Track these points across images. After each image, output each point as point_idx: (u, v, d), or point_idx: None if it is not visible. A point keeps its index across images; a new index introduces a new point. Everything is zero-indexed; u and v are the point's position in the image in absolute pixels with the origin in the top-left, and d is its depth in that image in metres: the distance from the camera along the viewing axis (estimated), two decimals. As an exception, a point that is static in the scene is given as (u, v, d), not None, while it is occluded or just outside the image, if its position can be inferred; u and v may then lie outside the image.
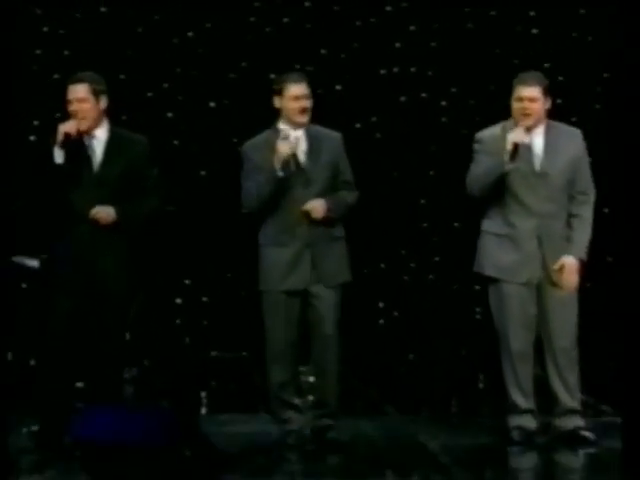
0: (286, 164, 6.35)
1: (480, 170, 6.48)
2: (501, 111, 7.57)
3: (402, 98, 7.76)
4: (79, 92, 6.41)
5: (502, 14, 7.80)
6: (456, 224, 7.81)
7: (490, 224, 6.62)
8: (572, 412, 6.66)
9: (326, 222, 6.42)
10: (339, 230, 6.54)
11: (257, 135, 6.55)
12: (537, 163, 6.51)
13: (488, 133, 6.58)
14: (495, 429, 6.78)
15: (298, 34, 7.73)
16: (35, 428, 6.50)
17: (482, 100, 7.77)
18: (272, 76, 7.66)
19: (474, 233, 7.73)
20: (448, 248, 7.78)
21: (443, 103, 7.78)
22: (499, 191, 6.46)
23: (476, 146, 6.58)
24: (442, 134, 7.80)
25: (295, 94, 6.46)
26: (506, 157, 6.36)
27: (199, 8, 7.70)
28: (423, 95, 7.78)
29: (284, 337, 6.50)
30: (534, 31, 7.79)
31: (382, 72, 7.73)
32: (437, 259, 7.81)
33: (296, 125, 6.48)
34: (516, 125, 6.45)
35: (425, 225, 7.79)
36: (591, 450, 6.57)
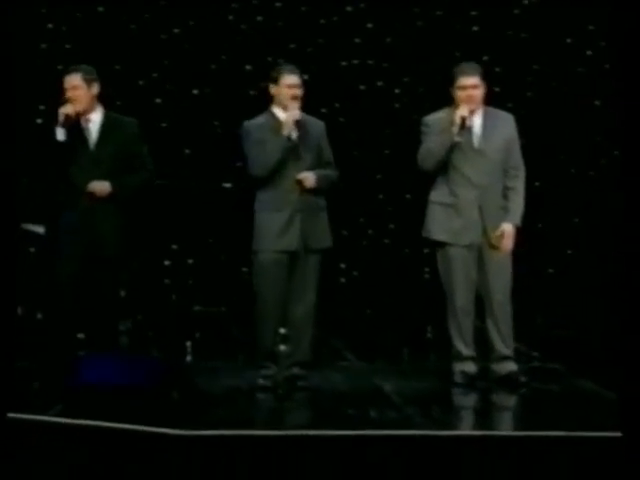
0: (292, 129, 6.33)
1: (432, 145, 6.47)
2: (446, 98, 7.59)
3: (361, 87, 7.76)
4: (73, 80, 6.52)
5: (447, 14, 7.80)
6: (407, 196, 7.81)
7: (437, 195, 6.60)
8: (506, 358, 6.68)
9: (314, 191, 6.40)
10: (323, 201, 6.52)
11: (253, 118, 6.51)
12: (476, 141, 6.51)
13: (434, 117, 6.58)
14: (441, 373, 6.77)
15: (270, 31, 7.72)
16: (42, 373, 6.47)
17: (430, 88, 7.75)
18: (247, 67, 7.67)
19: (423, 204, 7.73)
20: (400, 217, 7.79)
21: (396, 91, 7.78)
22: (445, 165, 6.45)
23: (424, 128, 6.58)
24: (395, 118, 7.78)
25: (289, 83, 6.41)
26: (455, 130, 6.38)
27: (184, 8, 7.67)
28: (379, 84, 7.78)
29: (272, 294, 6.45)
30: (474, 28, 7.77)
31: (343, 64, 7.72)
32: (391, 226, 7.81)
33: (287, 108, 6.42)
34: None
35: (381, 197, 7.78)
36: (523, 391, 6.56)
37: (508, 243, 6.55)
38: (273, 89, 6.46)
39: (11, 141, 6.54)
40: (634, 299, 7.12)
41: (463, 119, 6.39)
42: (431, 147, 6.49)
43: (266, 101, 6.47)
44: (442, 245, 6.59)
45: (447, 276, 6.61)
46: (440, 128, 6.48)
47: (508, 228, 6.53)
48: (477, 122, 6.52)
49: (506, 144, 6.57)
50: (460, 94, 6.46)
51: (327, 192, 6.56)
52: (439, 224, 6.58)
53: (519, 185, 6.61)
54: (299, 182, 6.36)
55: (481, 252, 6.57)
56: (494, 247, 6.55)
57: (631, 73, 5.22)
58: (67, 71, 6.59)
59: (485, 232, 6.53)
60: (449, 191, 6.55)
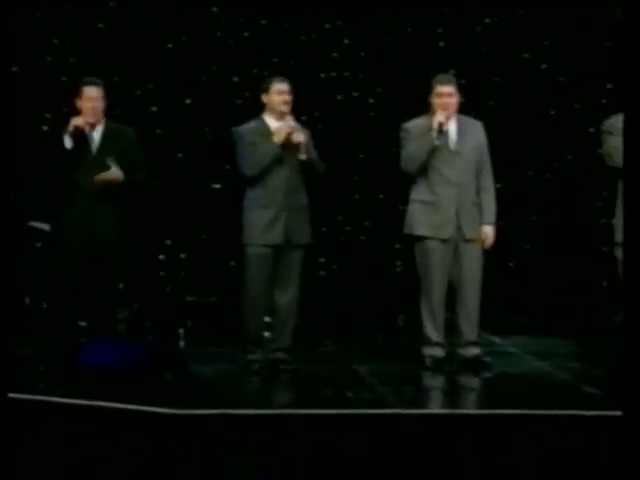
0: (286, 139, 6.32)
1: (413, 149, 6.48)
2: (416, 106, 7.55)
3: (338, 97, 7.73)
4: (92, 92, 6.42)
5: (416, 31, 7.77)
6: (381, 196, 7.80)
7: (417, 194, 6.59)
8: (473, 344, 6.67)
9: (300, 189, 6.41)
10: (305, 201, 6.49)
11: (245, 123, 6.50)
12: (452, 144, 6.53)
13: (413, 123, 6.59)
14: (411, 357, 6.75)
15: (256, 45, 7.68)
16: (46, 357, 6.44)
17: (401, 98, 7.74)
18: (235, 79, 7.64)
19: (395, 202, 7.72)
20: (375, 215, 7.78)
21: (370, 100, 7.75)
22: (425, 166, 6.47)
23: (403, 134, 6.58)
24: (370, 125, 7.75)
25: (279, 89, 6.41)
26: (434, 134, 6.41)
27: (177, 25, 7.63)
28: (354, 94, 7.76)
29: (258, 284, 6.42)
30: (441, 44, 7.74)
31: (322, 76, 7.70)
32: (367, 224, 7.79)
33: (278, 115, 6.41)
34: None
35: (357, 197, 7.77)
36: (486, 373, 6.55)
37: (490, 241, 6.58)
38: (265, 98, 6.44)
39: (11, 146, 6.55)
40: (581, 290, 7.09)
41: (441, 124, 6.41)
42: (413, 151, 6.48)
43: (257, 109, 6.50)
44: (421, 239, 6.56)
45: (425, 268, 6.58)
46: (419, 133, 6.49)
47: (488, 229, 6.57)
48: (452, 127, 6.53)
49: (478, 147, 6.60)
50: (437, 101, 6.49)
51: (310, 187, 6.52)
52: (420, 220, 6.56)
53: (490, 185, 6.63)
54: (288, 134, 6.30)
55: (456, 246, 6.55)
56: (468, 241, 6.55)
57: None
58: (88, 82, 6.46)
59: (460, 227, 6.52)
60: (429, 190, 6.53)
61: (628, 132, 5.51)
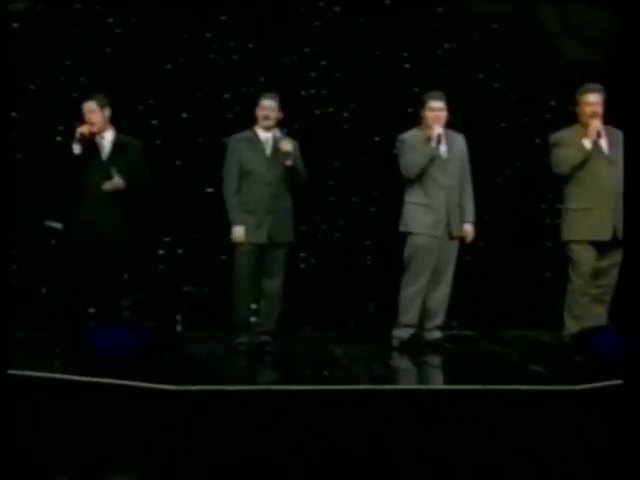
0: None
1: (414, 157, 6.51)
2: (386, 121, 7.57)
3: (317, 111, 7.70)
4: (90, 106, 6.57)
5: (383, 54, 7.74)
6: (354, 199, 7.76)
7: (412, 197, 6.61)
8: (437, 328, 6.66)
9: (285, 192, 6.44)
10: (289, 204, 6.50)
11: (240, 132, 6.60)
12: (443, 153, 6.58)
13: (408, 135, 6.64)
14: (380, 340, 6.75)
15: (244, 66, 7.65)
16: (59, 340, 6.43)
17: (372, 113, 7.72)
18: (226, 96, 7.60)
19: (367, 205, 7.71)
20: (348, 215, 7.76)
21: (345, 115, 7.71)
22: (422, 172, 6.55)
23: (400, 144, 6.63)
24: (344, 137, 7.74)
25: (261, 105, 6.48)
26: (434, 144, 6.48)
27: (175, 49, 7.57)
28: (331, 109, 7.71)
29: (246, 277, 6.42)
30: (406, 66, 7.72)
31: (303, 93, 7.66)
32: (341, 223, 7.76)
33: (262, 127, 6.48)
34: (427, 129, 6.54)
35: (332, 200, 7.74)
36: (446, 353, 6.56)
37: (471, 237, 6.63)
38: (256, 111, 6.50)
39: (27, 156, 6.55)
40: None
41: (439, 135, 6.45)
42: (414, 159, 6.49)
43: (248, 122, 6.59)
44: (416, 236, 6.56)
45: (413, 260, 6.59)
46: (414, 143, 6.51)
47: (469, 227, 6.61)
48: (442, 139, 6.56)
49: (462, 157, 6.64)
50: (429, 114, 6.53)
51: (294, 192, 6.54)
52: (415, 220, 6.57)
53: (471, 189, 6.68)
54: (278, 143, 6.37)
55: (439, 241, 6.56)
56: (452, 238, 6.58)
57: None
58: (85, 98, 6.62)
59: (448, 225, 6.56)
60: (423, 193, 6.55)
61: (628, 131, 5.46)
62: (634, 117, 5.03)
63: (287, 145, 6.39)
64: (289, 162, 6.38)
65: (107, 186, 6.44)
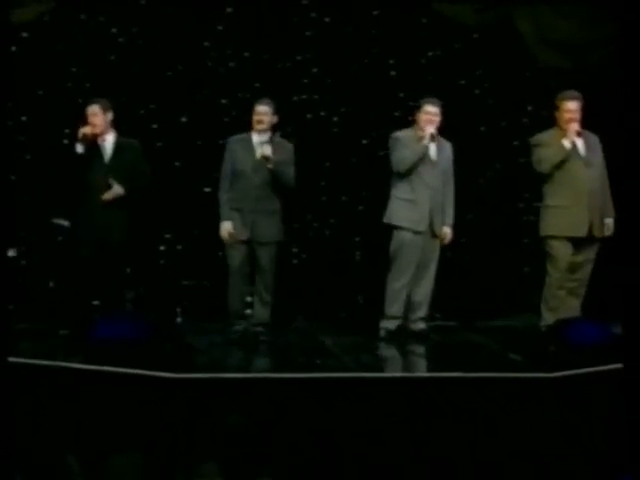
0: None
1: (406, 153, 6.49)
2: (373, 125, 7.53)
3: (308, 115, 7.65)
4: (93, 109, 6.56)
5: (372, 62, 7.71)
6: (343, 198, 7.72)
7: (399, 192, 6.59)
8: (421, 319, 6.63)
9: (271, 194, 6.39)
10: (277, 205, 6.44)
11: (239, 134, 6.57)
12: (432, 154, 6.56)
13: (401, 133, 6.62)
14: (369, 330, 6.72)
15: (241, 73, 7.61)
16: (65, 332, 6.42)
17: (361, 117, 7.67)
18: (223, 101, 7.57)
19: (356, 203, 7.67)
20: (338, 213, 7.73)
21: (335, 119, 7.67)
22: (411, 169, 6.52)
23: (393, 142, 6.58)
24: (335, 140, 7.70)
25: (256, 110, 6.46)
26: (426, 142, 6.47)
27: (175, 56, 7.52)
28: (322, 114, 7.68)
29: (239, 272, 6.39)
30: (392, 73, 7.68)
31: (295, 99, 7.63)
32: (332, 221, 7.72)
33: (256, 131, 6.44)
34: (420, 130, 6.54)
35: (323, 199, 7.71)
36: (430, 343, 6.53)
37: (449, 238, 6.62)
38: (253, 116, 6.46)
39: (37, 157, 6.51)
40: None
41: (432, 134, 6.45)
42: (406, 155, 6.46)
43: (243, 126, 6.57)
44: (401, 230, 6.52)
45: (399, 254, 6.56)
46: (407, 141, 6.49)
47: (448, 229, 6.60)
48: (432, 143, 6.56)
49: (447, 160, 6.62)
50: (424, 117, 6.53)
51: (282, 195, 6.48)
52: (400, 214, 6.54)
53: (452, 193, 6.65)
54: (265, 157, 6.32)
55: (423, 238, 6.53)
56: (434, 236, 6.56)
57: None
58: (89, 102, 6.60)
59: (431, 224, 6.53)
60: (409, 189, 6.50)
61: (629, 132, 5.42)
62: (631, 119, 4.98)
63: (267, 150, 6.36)
64: (269, 165, 6.36)
65: (107, 196, 6.41)
